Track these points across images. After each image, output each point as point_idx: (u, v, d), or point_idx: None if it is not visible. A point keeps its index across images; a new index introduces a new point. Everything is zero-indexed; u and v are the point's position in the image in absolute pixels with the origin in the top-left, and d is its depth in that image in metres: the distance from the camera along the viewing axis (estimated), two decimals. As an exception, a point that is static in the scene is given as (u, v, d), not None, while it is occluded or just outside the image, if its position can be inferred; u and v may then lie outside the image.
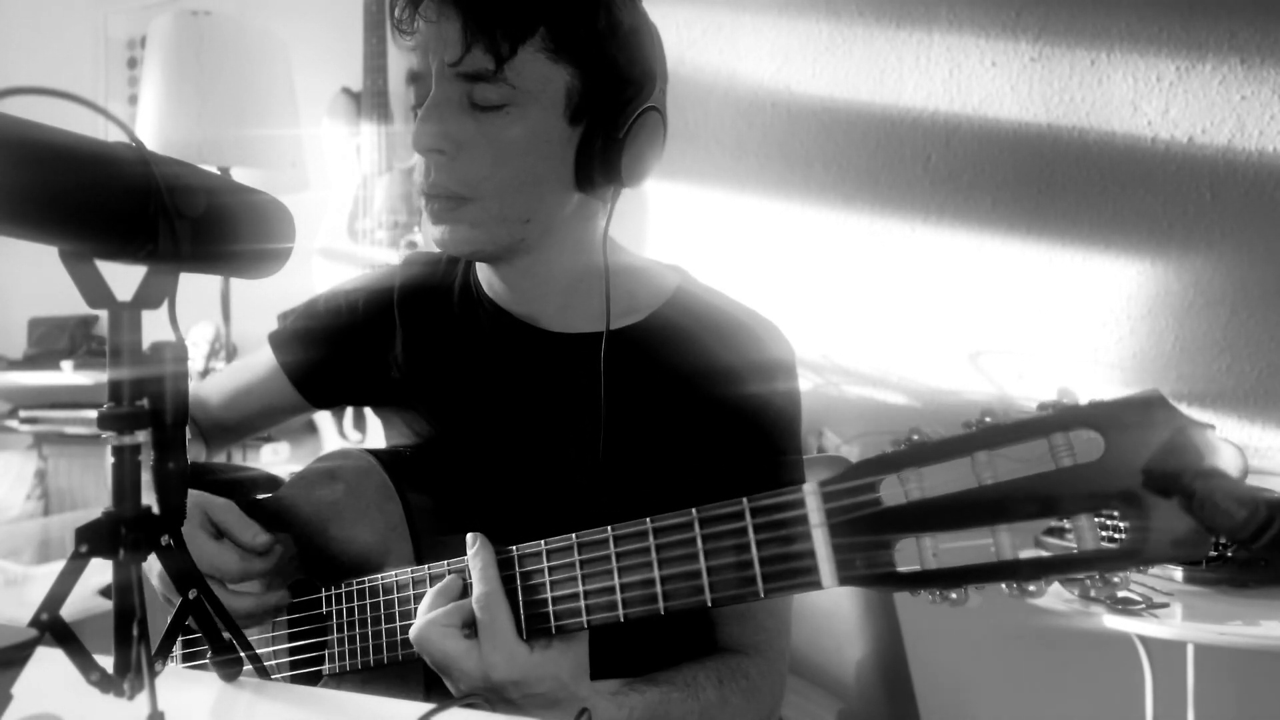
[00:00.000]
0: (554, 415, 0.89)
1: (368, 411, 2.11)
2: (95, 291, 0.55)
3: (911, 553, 0.52)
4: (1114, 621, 1.30)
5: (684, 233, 2.23)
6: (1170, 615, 1.30)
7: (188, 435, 0.62)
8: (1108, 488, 0.46)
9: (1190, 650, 1.59)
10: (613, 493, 0.83)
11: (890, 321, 2.03)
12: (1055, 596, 1.37)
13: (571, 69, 0.79)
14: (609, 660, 0.74)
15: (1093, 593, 1.37)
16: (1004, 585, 0.50)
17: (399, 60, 2.38)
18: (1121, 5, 1.84)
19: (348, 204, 2.35)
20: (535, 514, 0.70)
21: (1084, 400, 0.49)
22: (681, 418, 0.86)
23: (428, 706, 0.57)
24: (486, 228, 0.82)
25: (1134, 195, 1.84)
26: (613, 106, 0.81)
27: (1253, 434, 1.75)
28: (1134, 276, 1.84)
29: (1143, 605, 1.30)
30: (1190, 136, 1.80)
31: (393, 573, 0.78)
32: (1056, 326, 1.89)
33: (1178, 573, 1.40)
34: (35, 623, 0.53)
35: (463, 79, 0.78)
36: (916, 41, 2.02)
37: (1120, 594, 1.32)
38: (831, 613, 1.27)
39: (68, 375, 2.70)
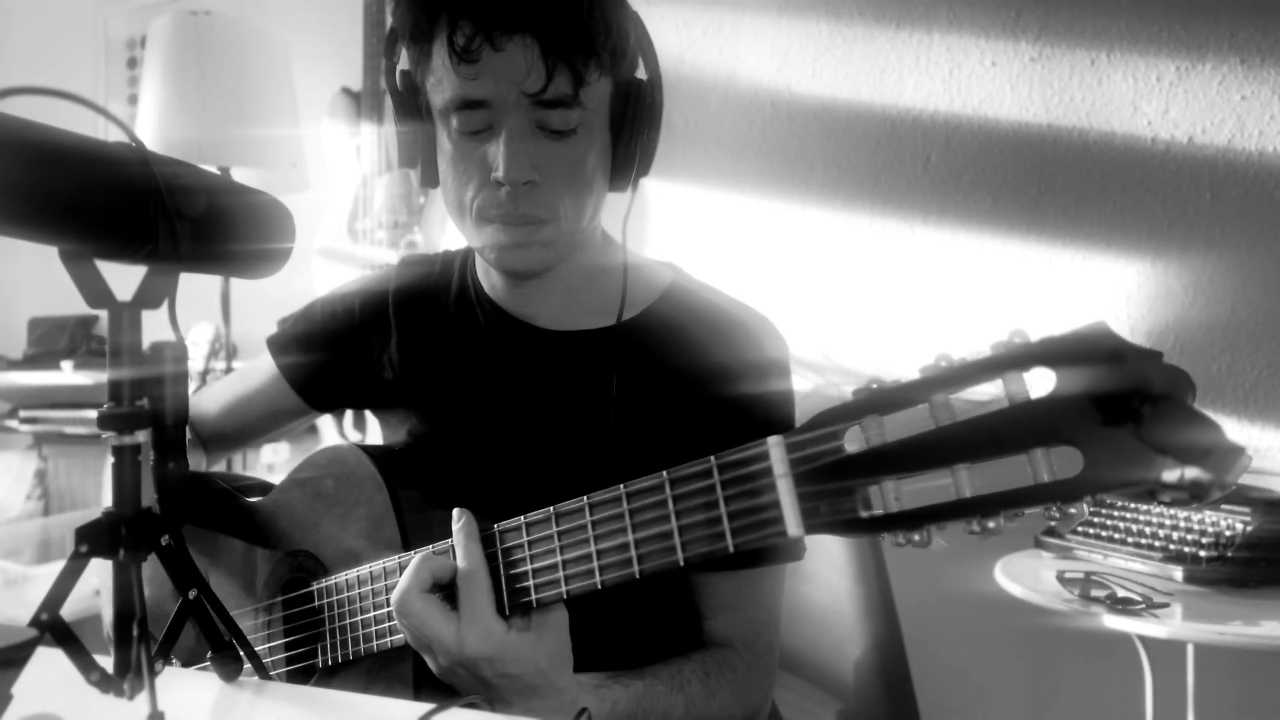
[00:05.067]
0: (552, 412, 0.89)
1: (368, 413, 2.11)
2: (95, 291, 0.55)
3: (875, 498, 0.53)
4: (1114, 621, 1.30)
5: (684, 232, 2.23)
6: (1170, 615, 1.30)
7: (187, 440, 0.62)
8: (1059, 420, 0.47)
9: (1190, 650, 1.59)
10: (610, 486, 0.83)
11: (890, 321, 2.03)
12: (1055, 596, 1.37)
13: (612, 81, 0.82)
14: (594, 655, 0.75)
15: (1093, 593, 1.36)
16: (965, 523, 0.51)
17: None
18: (1121, 5, 1.84)
19: (348, 204, 2.35)
20: (532, 509, 0.70)
21: (1035, 338, 0.49)
22: (676, 412, 0.86)
23: (427, 706, 0.57)
24: (557, 247, 0.84)
25: (1134, 195, 1.84)
26: (644, 109, 0.84)
27: (1253, 434, 1.75)
28: (1134, 276, 1.84)
29: (1143, 605, 1.30)
30: (1190, 136, 1.80)
31: (380, 561, 0.78)
32: (1057, 326, 1.88)
33: (1178, 572, 1.40)
34: (35, 623, 0.53)
35: (539, 106, 0.78)
36: (916, 41, 2.02)
37: (1121, 594, 1.32)
38: (831, 613, 1.27)
39: (68, 375, 2.70)
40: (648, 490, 0.63)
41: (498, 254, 0.84)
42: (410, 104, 0.84)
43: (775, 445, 0.57)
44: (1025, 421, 0.48)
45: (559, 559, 0.67)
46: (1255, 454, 1.73)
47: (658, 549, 0.63)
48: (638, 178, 0.86)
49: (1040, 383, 0.48)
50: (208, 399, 1.10)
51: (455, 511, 0.72)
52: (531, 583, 0.69)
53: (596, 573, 0.65)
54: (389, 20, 0.84)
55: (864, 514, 0.53)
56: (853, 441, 0.54)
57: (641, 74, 0.85)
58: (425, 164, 0.86)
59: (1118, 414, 0.45)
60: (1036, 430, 0.48)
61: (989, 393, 0.49)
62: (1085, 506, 0.48)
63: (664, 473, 0.63)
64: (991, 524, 0.50)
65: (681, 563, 0.62)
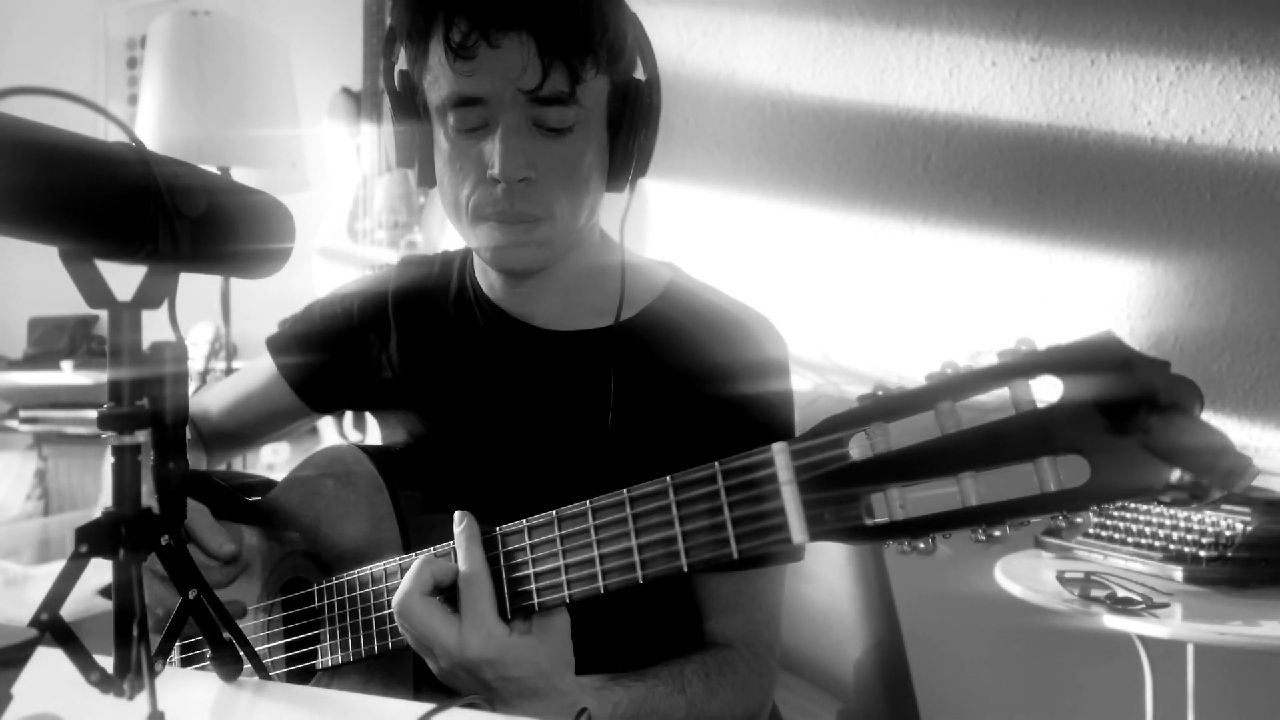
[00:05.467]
0: (552, 412, 0.89)
1: (368, 413, 2.11)
2: (95, 291, 0.55)
3: (880, 505, 0.53)
4: (1114, 621, 1.30)
5: (684, 232, 2.23)
6: (1170, 615, 1.30)
7: (188, 440, 0.62)
8: (1066, 429, 0.47)
9: (1190, 650, 1.59)
10: (609, 487, 0.84)
11: (890, 321, 2.03)
12: (1055, 596, 1.37)
13: (609, 79, 0.82)
14: (595, 656, 0.75)
15: (1093, 593, 1.36)
16: (970, 532, 0.50)
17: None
18: (1121, 5, 1.84)
19: (348, 204, 2.35)
20: (531, 509, 0.70)
21: (1041, 346, 0.49)
22: (675, 412, 0.86)
23: (427, 706, 0.57)
24: (553, 245, 0.84)
25: (1134, 195, 1.84)
26: (641, 109, 0.84)
27: (1253, 434, 1.75)
28: (1134, 276, 1.84)
29: (1143, 605, 1.30)
30: (1190, 136, 1.80)
31: (381, 563, 0.78)
32: (1056, 326, 1.88)
33: (1178, 572, 1.40)
34: (35, 623, 0.53)
35: (535, 103, 0.78)
36: (916, 41, 2.02)
37: (1121, 594, 1.32)
38: (831, 613, 1.27)
39: (68, 375, 2.70)
40: (651, 495, 0.63)
41: (493, 253, 0.84)
42: (408, 103, 0.85)
43: (780, 451, 0.57)
44: (1032, 430, 0.48)
45: (561, 563, 0.67)
46: (1255, 454, 1.73)
47: (661, 554, 0.62)
48: (635, 178, 0.86)
49: (1047, 391, 0.48)
50: (209, 399, 1.10)
51: (457, 514, 0.72)
52: (534, 586, 0.69)
53: (599, 577, 0.65)
54: (389, 20, 0.84)
55: (869, 522, 0.53)
56: (858, 448, 0.54)
57: (640, 75, 0.85)
58: (422, 163, 0.86)
59: (1124, 423, 0.45)
60: (1043, 439, 0.47)
61: (995, 400, 0.49)
62: (1091, 515, 0.48)
63: (668, 478, 0.62)
64: (997, 532, 0.50)
65: (685, 568, 0.61)
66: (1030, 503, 0.48)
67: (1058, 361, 0.47)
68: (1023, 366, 0.48)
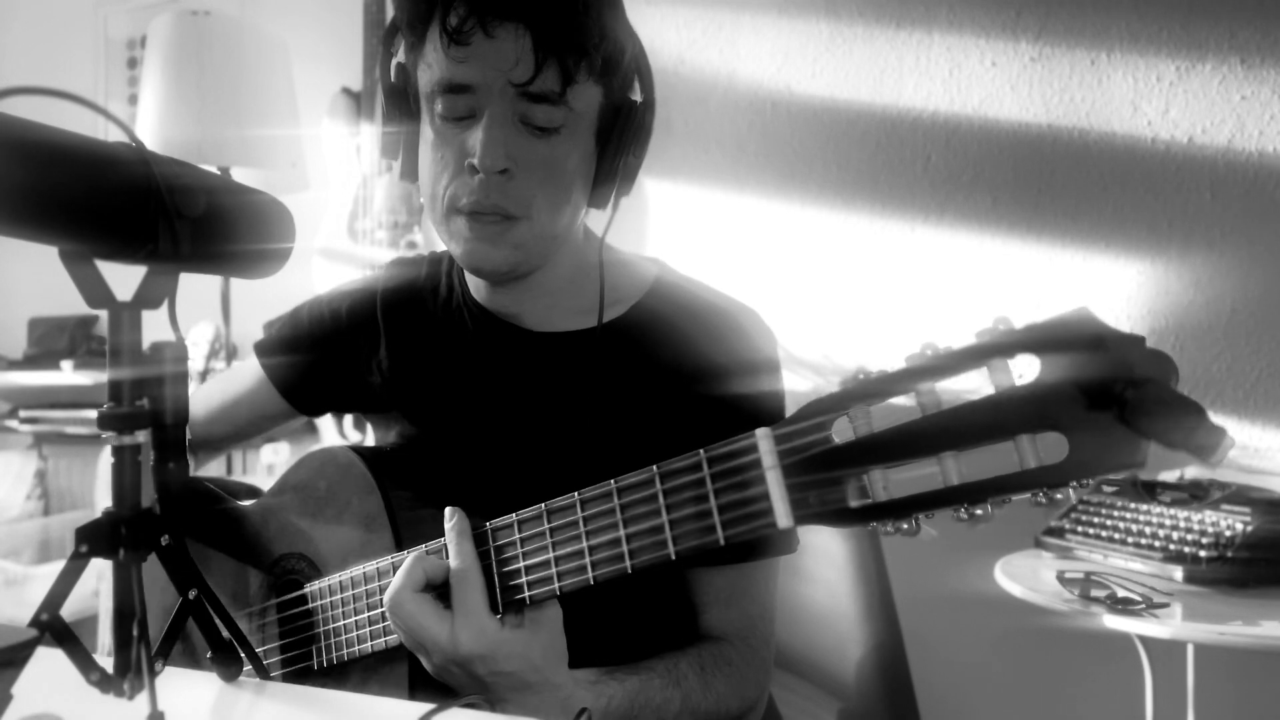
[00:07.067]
0: (540, 413, 0.89)
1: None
2: (95, 291, 0.55)
3: (864, 487, 0.53)
4: (1114, 621, 1.30)
5: (684, 233, 2.23)
6: (1170, 615, 1.30)
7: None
8: (1044, 406, 0.47)
9: (1190, 650, 1.59)
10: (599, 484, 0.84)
11: (891, 322, 2.03)
12: (1055, 596, 1.37)
13: (605, 91, 0.82)
14: (590, 650, 0.75)
15: (1093, 593, 1.36)
16: (953, 511, 0.51)
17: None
18: (1121, 5, 1.84)
19: (348, 204, 2.35)
20: (521, 508, 0.70)
21: (1018, 325, 0.49)
22: (667, 407, 0.86)
23: (428, 706, 0.57)
24: (527, 248, 0.83)
25: (1134, 195, 1.84)
26: (632, 128, 0.83)
27: (1253, 434, 1.75)
28: (1134, 276, 1.84)
29: (1143, 605, 1.30)
30: (1190, 136, 1.80)
31: (373, 563, 0.78)
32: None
33: (1178, 572, 1.40)
34: (35, 623, 0.53)
35: (524, 99, 0.78)
36: (916, 41, 2.02)
37: (1121, 594, 1.32)
38: (831, 613, 1.27)
39: (68, 375, 2.70)
40: (638, 485, 0.63)
41: (465, 251, 0.83)
42: (400, 94, 0.85)
43: (764, 437, 0.57)
44: (1010, 408, 0.48)
45: (551, 555, 0.67)
46: (1255, 454, 1.73)
47: (649, 543, 0.63)
48: (618, 197, 0.86)
49: (1025, 369, 0.49)
50: (195, 402, 1.09)
51: (447, 510, 0.72)
52: (525, 580, 0.69)
53: (589, 568, 0.65)
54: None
55: (853, 504, 0.53)
56: (841, 432, 0.54)
57: (637, 97, 0.85)
58: (407, 154, 0.86)
59: (1101, 398, 0.46)
60: (1022, 417, 0.48)
61: (975, 380, 0.50)
62: (1072, 491, 0.48)
63: (654, 467, 0.63)
64: (979, 511, 0.50)
65: (673, 556, 0.62)
66: (1011, 480, 0.49)
67: (1034, 340, 0.48)
68: (1000, 346, 0.49)
